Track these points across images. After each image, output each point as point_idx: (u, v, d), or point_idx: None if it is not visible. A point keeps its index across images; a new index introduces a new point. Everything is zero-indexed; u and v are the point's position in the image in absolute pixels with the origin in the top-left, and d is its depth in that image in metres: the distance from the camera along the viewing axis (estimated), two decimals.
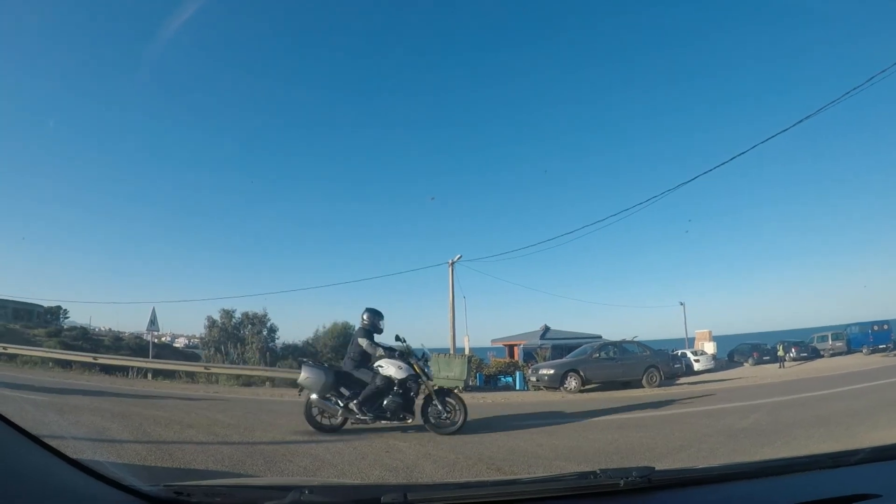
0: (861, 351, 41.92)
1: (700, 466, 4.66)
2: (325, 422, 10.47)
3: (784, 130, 21.34)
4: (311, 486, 2.22)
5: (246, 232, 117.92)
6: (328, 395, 10.47)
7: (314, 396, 10.45)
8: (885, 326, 41.82)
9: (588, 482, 2.32)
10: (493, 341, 46.71)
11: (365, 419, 10.33)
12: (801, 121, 21.50)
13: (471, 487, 2.70)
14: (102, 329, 51.21)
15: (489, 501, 2.24)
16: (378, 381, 10.39)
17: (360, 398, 10.31)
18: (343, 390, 10.53)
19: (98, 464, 2.13)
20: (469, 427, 10.66)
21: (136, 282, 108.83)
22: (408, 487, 2.35)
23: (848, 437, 9.00)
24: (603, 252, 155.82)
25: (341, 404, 10.42)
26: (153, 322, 26.60)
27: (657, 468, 2.33)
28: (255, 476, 6.36)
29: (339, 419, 10.44)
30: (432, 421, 10.54)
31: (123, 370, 24.30)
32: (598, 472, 2.33)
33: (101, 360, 25.15)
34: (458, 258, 33.33)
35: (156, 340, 31.69)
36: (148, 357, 26.16)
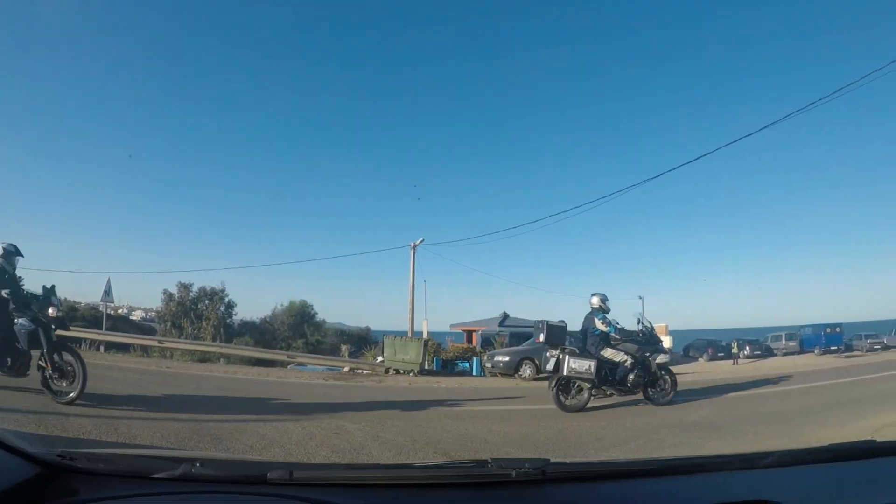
0: (813, 351, 42.78)
1: (598, 461, 4.54)
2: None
3: (748, 135, 21.40)
4: (202, 460, 2.16)
5: (206, 204, 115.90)
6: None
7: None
8: (838, 329, 42.82)
9: (480, 471, 2.25)
10: (453, 326, 46.66)
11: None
12: (764, 127, 21.58)
13: (359, 469, 2.86)
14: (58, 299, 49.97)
15: (377, 485, 2.17)
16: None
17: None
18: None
19: None
20: (420, 410, 10.52)
21: (95, 250, 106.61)
22: (294, 466, 2.27)
23: (797, 433, 9.03)
24: (566, 242, 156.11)
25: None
26: (108, 293, 25.88)
27: (552, 460, 2.23)
28: (158, 447, 6.29)
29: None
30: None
31: (76, 341, 23.33)
32: (491, 461, 2.25)
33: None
34: (421, 241, 33.33)
35: (111, 312, 31.17)
36: (102, 329, 25.53)
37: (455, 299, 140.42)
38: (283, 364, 25.44)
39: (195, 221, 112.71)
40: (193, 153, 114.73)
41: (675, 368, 14.04)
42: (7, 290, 9.11)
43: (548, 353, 12.52)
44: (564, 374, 11.73)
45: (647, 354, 12.35)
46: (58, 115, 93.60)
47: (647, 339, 12.76)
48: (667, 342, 44.25)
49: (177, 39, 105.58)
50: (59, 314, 9.49)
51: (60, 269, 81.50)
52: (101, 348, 23.31)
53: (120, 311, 52.31)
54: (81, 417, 7.90)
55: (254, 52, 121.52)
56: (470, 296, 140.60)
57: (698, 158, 25.84)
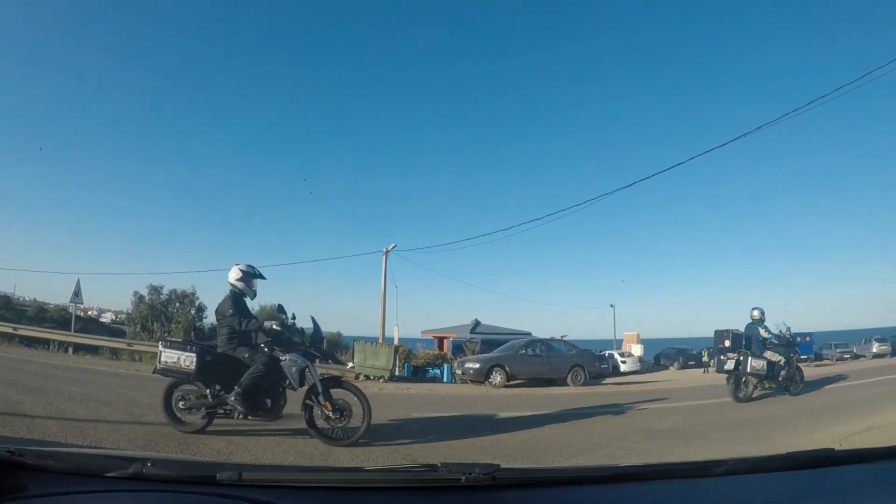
0: None
1: (550, 466, 4.55)
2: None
3: (722, 145, 21.63)
4: (153, 459, 2.18)
5: (179, 207, 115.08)
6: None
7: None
8: (808, 338, 43.12)
9: (430, 475, 2.27)
10: (424, 332, 46.71)
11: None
12: (737, 137, 21.86)
13: (309, 471, 2.84)
14: (27, 299, 49.24)
15: (327, 487, 2.18)
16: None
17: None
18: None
19: None
20: (389, 416, 10.45)
21: (65, 251, 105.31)
22: (244, 467, 2.27)
23: (765, 441, 9.07)
24: (538, 251, 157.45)
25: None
26: (77, 294, 25.55)
27: (503, 466, 2.24)
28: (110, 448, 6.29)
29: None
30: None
31: (45, 343, 23.68)
32: (441, 465, 2.27)
33: (21, 332, 24.64)
34: (393, 247, 33.31)
35: (80, 313, 30.79)
36: (71, 330, 25.36)
37: (427, 306, 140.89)
38: None
39: (167, 224, 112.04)
40: (166, 156, 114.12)
41: (644, 376, 14.53)
42: (277, 322, 8.15)
43: (723, 356, 15.18)
44: (747, 371, 14.38)
45: (791, 355, 15.33)
46: (27, 115, 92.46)
47: (791, 343, 15.81)
48: (638, 350, 44.65)
49: (159, 44, 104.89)
50: (326, 347, 8.64)
51: (29, 269, 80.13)
52: (70, 350, 23.03)
53: (90, 312, 51.82)
54: (46, 419, 7.85)
55: (238, 58, 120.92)
56: (442, 302, 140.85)
57: (671, 168, 26.23)
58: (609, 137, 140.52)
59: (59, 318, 34.76)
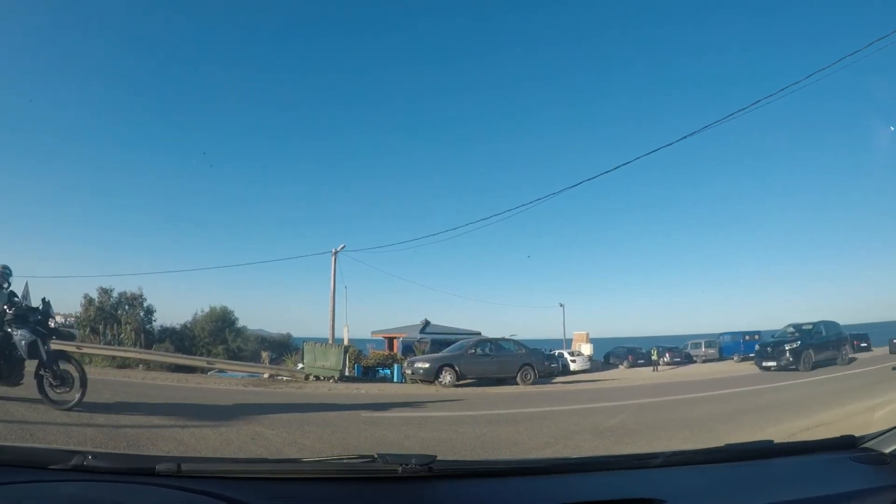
0: (732, 358, 43.83)
1: (487, 459, 4.62)
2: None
3: (668, 144, 21.98)
4: (94, 453, 2.17)
5: (127, 208, 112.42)
6: None
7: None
8: (757, 336, 43.90)
9: (367, 466, 2.29)
10: (374, 333, 46.48)
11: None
12: (683, 137, 22.20)
13: (247, 462, 2.90)
14: None
15: (264, 478, 2.21)
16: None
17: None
18: None
19: None
20: (339, 417, 10.44)
21: (13, 253, 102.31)
22: (182, 459, 2.22)
23: (710, 439, 9.19)
24: (487, 250, 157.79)
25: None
26: (26, 297, 24.88)
27: (439, 458, 2.25)
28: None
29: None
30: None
31: None
32: (377, 456, 2.28)
33: None
34: (342, 248, 33.12)
35: None
36: None
37: (376, 306, 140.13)
38: (203, 370, 25.08)
39: (118, 226, 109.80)
40: (113, 156, 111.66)
41: (594, 375, 14.48)
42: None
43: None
44: None
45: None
46: None
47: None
48: (587, 349, 45.21)
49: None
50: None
51: None
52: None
53: None
54: None
55: (194, 62, 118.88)
56: (391, 303, 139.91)
57: (617, 168, 26.56)
58: (560, 138, 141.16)
59: None
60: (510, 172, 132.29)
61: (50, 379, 9.24)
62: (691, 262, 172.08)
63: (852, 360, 27.07)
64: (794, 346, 25.05)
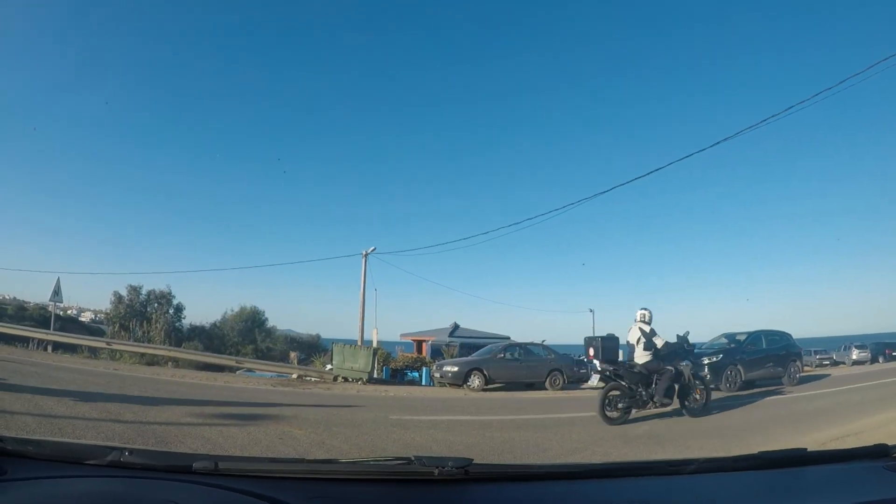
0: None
1: (523, 463, 4.57)
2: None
3: (700, 150, 21.75)
4: (131, 449, 2.21)
5: (160, 208, 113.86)
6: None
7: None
8: None
9: (404, 468, 2.27)
10: (403, 335, 46.50)
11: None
12: (715, 144, 21.96)
13: (283, 462, 2.94)
14: (7, 297, 48.83)
15: (301, 478, 2.20)
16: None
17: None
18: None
19: None
20: (367, 419, 10.44)
21: (46, 250, 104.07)
22: (219, 457, 2.25)
23: (742, 447, 9.03)
24: (519, 254, 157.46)
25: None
26: (57, 293, 25.33)
27: (476, 461, 2.24)
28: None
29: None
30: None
31: (24, 341, 23.75)
32: (414, 458, 2.28)
33: (0, 329, 24.30)
34: (373, 250, 33.07)
35: (60, 312, 30.68)
36: (50, 329, 25.15)
37: (406, 309, 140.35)
38: (231, 369, 25.24)
39: (149, 224, 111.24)
40: (147, 157, 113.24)
41: None
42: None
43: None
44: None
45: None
46: (8, 111, 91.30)
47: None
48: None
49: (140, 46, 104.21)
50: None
51: (9, 268, 79.16)
52: (49, 348, 22.89)
53: (69, 311, 51.56)
54: (26, 416, 7.93)
55: (215, 60, 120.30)
56: (421, 306, 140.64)
57: (650, 174, 26.18)
58: (591, 142, 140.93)
59: (38, 317, 34.66)
60: (542, 176, 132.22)
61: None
62: (727, 267, 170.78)
63: (802, 379, 22.52)
64: (714, 360, 19.74)
